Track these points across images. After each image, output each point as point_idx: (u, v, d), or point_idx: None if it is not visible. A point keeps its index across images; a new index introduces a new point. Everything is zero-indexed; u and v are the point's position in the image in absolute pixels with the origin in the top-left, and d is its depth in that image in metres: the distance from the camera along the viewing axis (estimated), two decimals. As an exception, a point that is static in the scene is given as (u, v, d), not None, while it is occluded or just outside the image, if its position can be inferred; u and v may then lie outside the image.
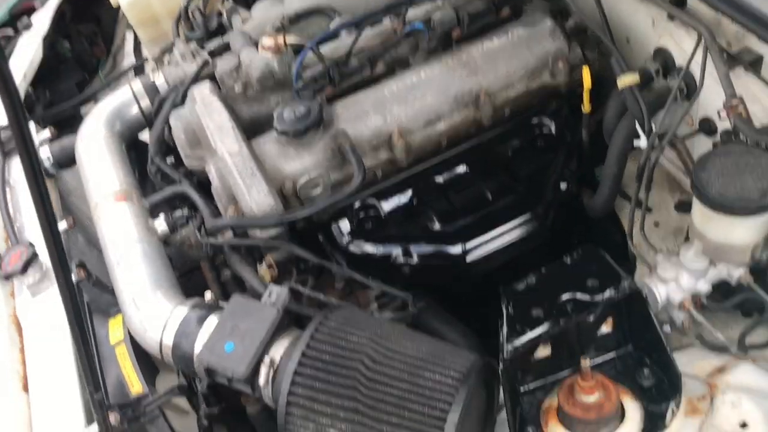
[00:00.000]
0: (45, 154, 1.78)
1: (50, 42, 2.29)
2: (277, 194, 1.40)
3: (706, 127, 1.43)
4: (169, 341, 1.31)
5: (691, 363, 1.23)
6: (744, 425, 1.08)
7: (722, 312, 1.35)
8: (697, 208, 1.15)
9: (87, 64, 2.47)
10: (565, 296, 1.13)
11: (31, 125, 1.89)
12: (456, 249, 1.47)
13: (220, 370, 1.23)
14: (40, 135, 1.86)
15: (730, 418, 1.09)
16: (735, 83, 1.25)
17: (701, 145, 1.43)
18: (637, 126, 1.38)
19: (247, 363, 1.20)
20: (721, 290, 1.31)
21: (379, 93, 1.49)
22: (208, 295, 1.41)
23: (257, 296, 1.33)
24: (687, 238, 1.45)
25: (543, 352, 1.25)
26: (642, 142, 1.37)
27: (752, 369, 1.20)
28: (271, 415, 1.49)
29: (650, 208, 1.50)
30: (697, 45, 1.32)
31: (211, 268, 1.66)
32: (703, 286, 1.24)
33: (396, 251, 1.50)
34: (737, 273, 1.22)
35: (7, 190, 1.75)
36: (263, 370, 1.21)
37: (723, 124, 1.40)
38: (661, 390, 1.16)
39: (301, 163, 1.44)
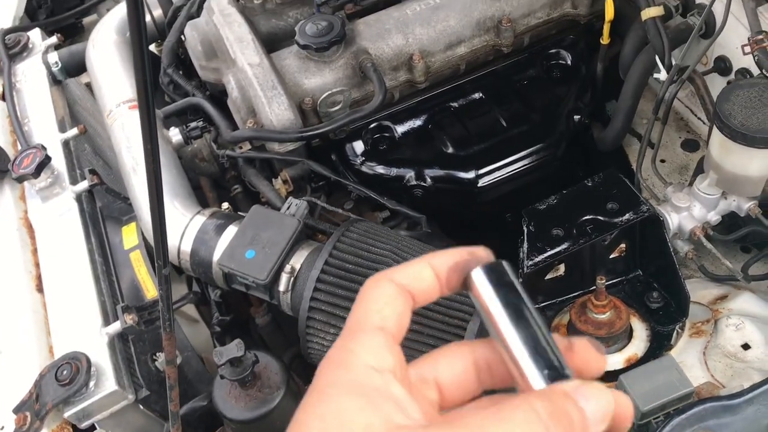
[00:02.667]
0: (53, 59, 1.76)
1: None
2: (297, 108, 1.41)
3: (721, 65, 1.46)
4: (187, 248, 1.32)
5: (694, 292, 1.27)
6: (746, 346, 1.13)
7: (723, 246, 1.41)
8: (717, 138, 1.18)
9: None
10: (585, 217, 1.17)
11: (37, 31, 1.85)
12: (468, 174, 1.49)
13: (240, 276, 1.26)
14: (46, 41, 1.82)
15: (733, 339, 1.14)
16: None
17: (714, 85, 1.45)
18: (657, 60, 1.40)
19: (268, 269, 1.23)
20: (725, 224, 1.35)
21: (401, 12, 1.49)
22: (225, 206, 1.42)
23: (274, 209, 1.35)
24: (693, 175, 1.49)
25: (554, 273, 1.29)
26: (660, 76, 1.39)
27: (753, 297, 1.25)
28: (278, 328, 1.52)
29: (657, 145, 1.53)
30: (723, -19, 1.33)
31: (213, 185, 1.68)
32: (714, 217, 1.28)
33: (409, 173, 1.51)
34: (747, 205, 1.26)
35: (14, 94, 1.72)
36: (284, 277, 1.24)
37: (738, 63, 1.42)
38: (668, 312, 1.21)
39: (322, 79, 1.44)
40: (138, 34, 0.59)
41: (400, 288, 0.46)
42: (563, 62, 1.59)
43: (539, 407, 0.40)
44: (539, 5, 1.51)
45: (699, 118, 1.61)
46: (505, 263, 0.47)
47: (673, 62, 1.37)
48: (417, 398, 0.44)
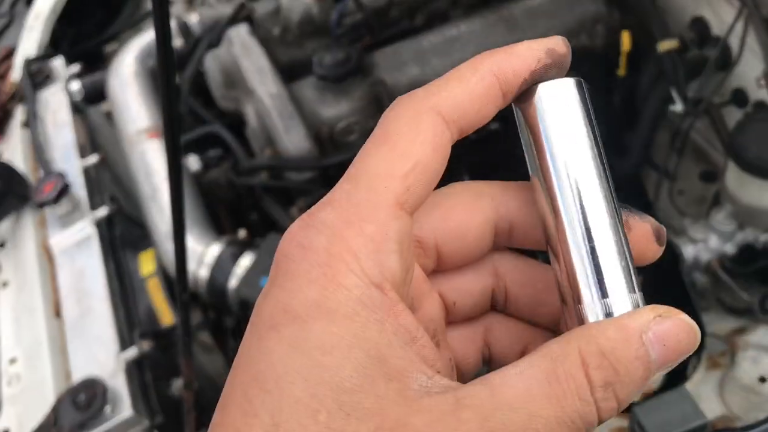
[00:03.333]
0: (75, 88, 1.79)
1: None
2: (313, 138, 1.43)
3: (738, 97, 1.46)
4: (204, 275, 1.34)
5: (711, 324, 1.27)
6: (763, 379, 1.12)
7: (740, 278, 1.40)
8: (732, 171, 1.18)
9: (111, 2, 2.45)
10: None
11: (60, 60, 1.89)
12: (485, 203, 1.50)
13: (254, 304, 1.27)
14: (69, 69, 1.86)
15: (750, 372, 1.14)
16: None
17: (731, 117, 1.45)
18: (673, 92, 1.41)
19: (283, 298, 1.23)
20: (743, 256, 1.35)
21: (418, 44, 1.50)
22: (242, 233, 1.43)
23: (290, 237, 1.36)
24: (710, 207, 1.49)
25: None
26: (677, 108, 1.40)
27: (771, 331, 1.24)
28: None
29: (675, 177, 1.53)
30: (738, 15, 1.34)
31: (230, 213, 1.69)
32: (730, 249, 1.27)
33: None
34: (764, 237, 1.25)
35: (37, 122, 1.75)
36: (299, 305, 1.24)
37: (755, 95, 1.43)
38: (684, 345, 1.20)
39: (339, 109, 1.45)
40: (165, 68, 0.61)
41: (446, 126, 0.33)
42: (579, 93, 1.60)
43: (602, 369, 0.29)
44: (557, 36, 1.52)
45: (717, 150, 1.61)
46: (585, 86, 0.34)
47: (690, 94, 1.38)
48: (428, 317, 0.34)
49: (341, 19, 1.54)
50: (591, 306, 0.31)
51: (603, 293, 0.32)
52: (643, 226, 0.35)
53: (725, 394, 1.10)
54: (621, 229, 0.33)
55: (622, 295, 0.32)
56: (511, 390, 0.28)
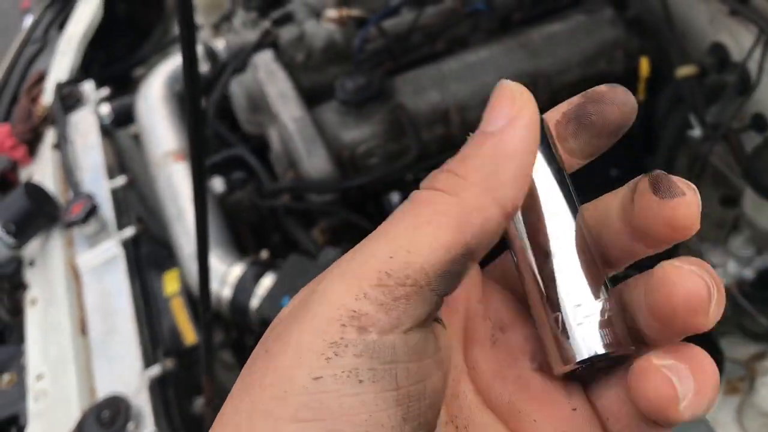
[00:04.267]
0: (105, 111, 1.84)
1: (107, 2, 2.34)
2: (335, 161, 1.45)
3: (758, 122, 1.46)
4: (226, 294, 1.36)
5: (731, 348, 1.27)
6: (784, 407, 1.12)
7: (760, 303, 1.39)
8: (750, 196, 1.19)
9: (139, 27, 2.52)
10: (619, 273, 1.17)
11: (90, 84, 1.94)
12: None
13: (277, 324, 1.29)
14: (99, 92, 1.91)
15: (770, 399, 1.13)
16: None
17: (750, 142, 1.46)
18: (691, 118, 1.42)
19: (304, 318, 1.25)
20: (762, 281, 1.34)
21: (438, 70, 1.53)
22: (264, 254, 1.46)
23: (311, 258, 1.39)
24: (730, 231, 1.48)
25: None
26: (695, 132, 1.41)
27: (791, 356, 1.24)
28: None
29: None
30: (757, 41, 1.35)
31: (253, 233, 1.72)
32: (749, 274, 1.27)
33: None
34: (783, 262, 1.25)
35: (67, 144, 1.80)
36: (319, 326, 1.26)
37: (775, 121, 1.43)
38: (702, 370, 1.20)
39: (360, 133, 1.48)
40: (192, 92, 0.63)
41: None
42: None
43: None
44: (575, 62, 1.54)
45: (737, 174, 1.61)
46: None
47: (708, 119, 1.39)
48: None
49: (363, 45, 1.57)
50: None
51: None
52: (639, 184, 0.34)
53: (744, 420, 1.10)
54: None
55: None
56: None
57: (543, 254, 0.35)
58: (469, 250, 0.30)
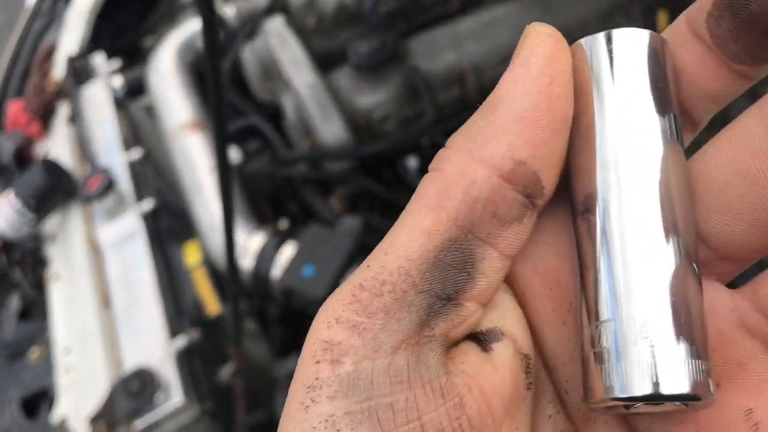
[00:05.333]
0: (117, 83, 1.83)
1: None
2: (350, 128, 1.44)
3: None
4: (248, 265, 1.37)
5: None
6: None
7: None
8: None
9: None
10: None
11: (102, 56, 1.93)
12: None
13: (299, 293, 1.29)
14: (110, 65, 1.90)
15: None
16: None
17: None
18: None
19: (325, 287, 1.26)
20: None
21: (452, 30, 1.51)
22: (283, 224, 1.46)
23: (329, 227, 1.39)
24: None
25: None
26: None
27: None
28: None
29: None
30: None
31: (270, 203, 1.72)
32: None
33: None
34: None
35: (81, 118, 1.80)
36: (341, 294, 1.27)
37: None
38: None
39: (375, 98, 1.46)
40: (212, 57, 0.62)
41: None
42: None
43: None
44: (592, 18, 1.51)
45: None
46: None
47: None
48: None
49: (376, 7, 1.54)
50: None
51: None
52: None
53: None
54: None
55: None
56: None
57: (592, 235, 0.26)
58: (463, 228, 0.25)
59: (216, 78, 0.60)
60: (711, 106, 0.28)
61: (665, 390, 0.22)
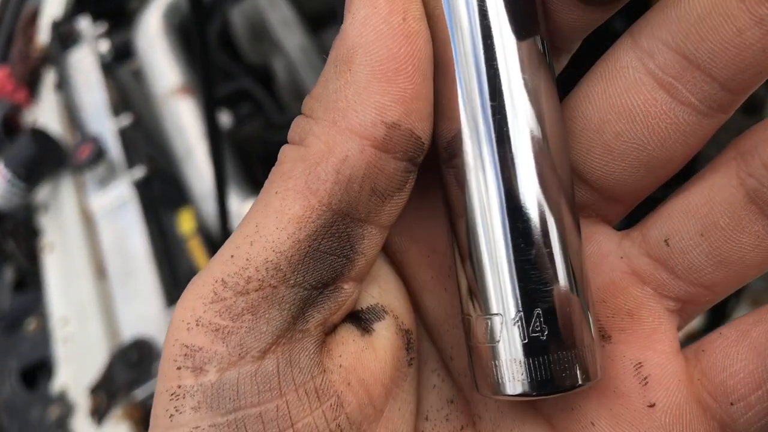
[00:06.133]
0: (104, 48, 1.79)
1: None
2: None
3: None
4: (243, 232, 1.35)
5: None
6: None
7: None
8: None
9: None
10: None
11: (87, 20, 1.89)
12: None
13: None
14: (96, 29, 1.86)
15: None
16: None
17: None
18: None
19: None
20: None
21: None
22: (278, 189, 1.44)
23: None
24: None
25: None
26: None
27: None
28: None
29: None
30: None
31: (264, 168, 1.70)
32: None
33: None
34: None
35: (68, 84, 1.76)
36: (338, 259, 1.26)
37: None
38: None
39: (368, 59, 1.44)
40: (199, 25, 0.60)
41: None
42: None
43: None
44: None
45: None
46: None
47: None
48: None
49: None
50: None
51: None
52: None
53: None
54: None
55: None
56: None
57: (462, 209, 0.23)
58: (338, 212, 0.22)
59: (202, 41, 0.57)
60: (573, 36, 0.26)
61: (538, 390, 0.22)
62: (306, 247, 0.21)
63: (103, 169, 1.55)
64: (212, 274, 0.23)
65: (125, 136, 1.63)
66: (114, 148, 1.60)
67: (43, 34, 1.92)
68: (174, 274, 1.41)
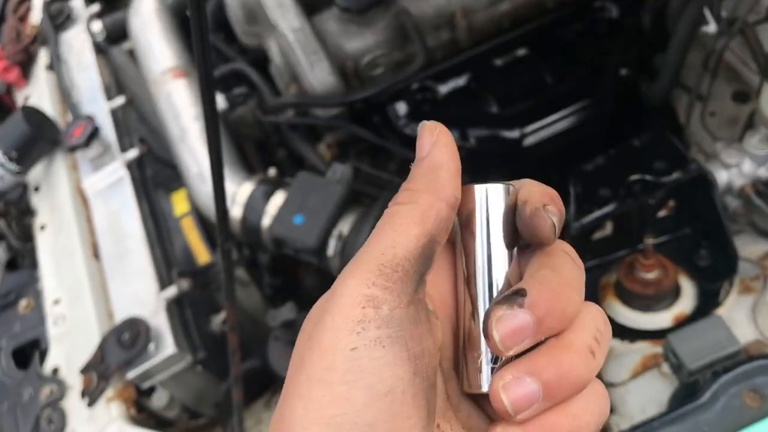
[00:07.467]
0: (97, 28, 1.78)
1: None
2: (338, 73, 1.41)
3: (774, 14, 1.41)
4: (237, 214, 1.35)
5: (744, 247, 1.26)
6: (796, 302, 1.13)
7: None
8: (767, 93, 1.16)
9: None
10: (633, 177, 1.16)
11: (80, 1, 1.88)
12: (513, 133, 1.48)
13: (289, 242, 1.29)
14: (89, 9, 1.85)
15: (784, 297, 1.14)
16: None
17: (767, 35, 1.41)
18: (706, 12, 1.36)
19: (316, 235, 1.25)
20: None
21: (442, -30, 1.46)
22: (272, 172, 1.44)
23: (319, 174, 1.37)
24: (743, 129, 1.46)
25: (602, 233, 1.29)
26: (710, 28, 1.36)
27: (805, 253, 1.24)
28: (327, 289, 1.56)
29: (706, 98, 1.50)
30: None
31: (258, 150, 1.69)
32: (764, 173, 1.26)
33: (453, 134, 1.51)
34: (800, 160, 1.23)
35: (61, 64, 1.75)
36: (332, 242, 1.26)
37: (792, 12, 1.38)
38: (716, 270, 1.21)
39: (363, 42, 1.43)
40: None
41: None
42: (608, 15, 1.56)
43: None
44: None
45: (751, 69, 1.57)
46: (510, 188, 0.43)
47: (723, 13, 1.33)
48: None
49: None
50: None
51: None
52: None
53: (758, 318, 1.11)
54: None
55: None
56: None
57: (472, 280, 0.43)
58: (433, 236, 0.41)
59: (201, 22, 0.57)
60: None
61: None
62: (419, 253, 0.40)
63: (96, 149, 1.54)
64: (373, 261, 0.39)
65: (118, 117, 1.63)
66: (107, 129, 1.60)
67: (36, 14, 1.91)
68: (167, 255, 1.41)
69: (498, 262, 0.43)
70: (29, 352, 1.37)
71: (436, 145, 0.43)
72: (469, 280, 0.43)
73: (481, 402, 0.44)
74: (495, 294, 0.42)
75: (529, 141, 1.48)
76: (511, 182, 0.44)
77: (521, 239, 0.43)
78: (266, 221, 1.31)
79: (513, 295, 0.39)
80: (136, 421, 1.22)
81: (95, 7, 1.84)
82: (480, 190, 0.43)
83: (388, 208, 0.42)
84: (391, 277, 0.39)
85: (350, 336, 0.37)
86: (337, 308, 0.38)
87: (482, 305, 0.42)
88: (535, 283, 0.39)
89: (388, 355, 0.37)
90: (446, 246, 0.45)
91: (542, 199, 0.41)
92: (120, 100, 1.64)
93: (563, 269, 0.41)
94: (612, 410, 1.09)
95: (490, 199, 0.43)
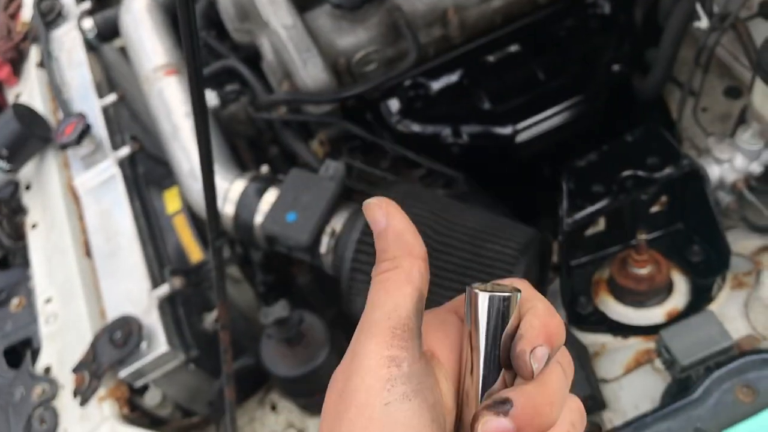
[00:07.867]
0: (88, 25, 1.77)
1: None
2: (331, 70, 1.41)
3: (766, 10, 1.41)
4: (229, 211, 1.35)
5: (736, 242, 1.27)
6: (790, 298, 1.13)
7: (766, 197, 1.39)
8: (759, 88, 1.16)
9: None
10: (626, 173, 1.16)
11: (71, -4, 1.87)
12: (506, 129, 1.48)
13: (282, 239, 1.28)
14: (80, 6, 1.84)
15: (776, 291, 1.14)
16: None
17: (759, 30, 1.41)
18: (698, 8, 1.36)
19: (309, 232, 1.25)
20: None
21: (434, -33, 1.46)
22: (265, 169, 1.44)
23: (311, 171, 1.37)
24: (735, 125, 1.46)
25: (594, 228, 1.29)
26: (701, 23, 1.36)
27: (797, 248, 1.24)
28: (319, 286, 1.55)
29: (698, 93, 1.50)
30: None
31: (250, 147, 1.69)
32: (756, 168, 1.26)
33: (445, 131, 1.51)
34: (792, 156, 1.24)
35: (52, 62, 1.74)
36: (324, 239, 1.26)
37: (784, 8, 1.38)
38: (709, 265, 1.21)
39: (356, 39, 1.43)
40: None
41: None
42: (601, 11, 1.56)
43: None
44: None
45: (742, 64, 1.57)
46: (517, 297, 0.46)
47: (715, 9, 1.34)
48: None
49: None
50: None
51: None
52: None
53: (751, 314, 1.11)
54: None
55: None
56: None
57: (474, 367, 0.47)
58: (421, 290, 0.47)
59: (190, 18, 0.57)
60: None
61: None
62: (416, 308, 0.46)
63: (88, 147, 1.54)
64: (384, 325, 0.45)
65: (110, 114, 1.62)
66: (99, 127, 1.59)
67: (27, 11, 1.90)
68: (159, 253, 1.41)
69: (494, 370, 0.46)
70: (21, 351, 1.37)
71: (392, 215, 0.48)
72: (473, 370, 0.46)
73: None
74: (491, 383, 0.46)
75: (521, 137, 1.48)
76: (518, 289, 0.46)
77: None
78: (259, 218, 1.31)
79: (500, 403, 0.42)
80: (129, 419, 1.22)
81: (86, 5, 1.83)
82: (484, 299, 0.46)
83: (374, 278, 0.48)
84: (403, 336, 0.44)
85: (382, 393, 0.43)
86: (364, 370, 0.44)
87: (480, 391, 0.46)
88: (520, 397, 0.42)
89: (414, 406, 0.43)
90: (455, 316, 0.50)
91: (537, 339, 0.44)
92: (111, 98, 1.63)
93: (550, 384, 0.44)
94: (605, 406, 1.09)
95: (492, 310, 0.45)
